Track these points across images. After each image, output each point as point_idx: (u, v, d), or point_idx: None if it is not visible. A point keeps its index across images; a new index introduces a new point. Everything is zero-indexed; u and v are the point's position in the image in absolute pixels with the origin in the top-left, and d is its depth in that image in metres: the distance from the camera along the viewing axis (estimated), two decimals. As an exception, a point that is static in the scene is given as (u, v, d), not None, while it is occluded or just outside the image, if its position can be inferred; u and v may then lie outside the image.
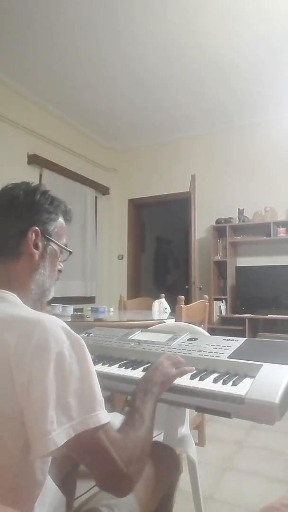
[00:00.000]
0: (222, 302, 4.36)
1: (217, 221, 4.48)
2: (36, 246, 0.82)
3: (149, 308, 3.05)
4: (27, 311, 0.72)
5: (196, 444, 1.66)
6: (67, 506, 0.87)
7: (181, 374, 0.96)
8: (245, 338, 1.17)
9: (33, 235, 0.81)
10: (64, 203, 0.91)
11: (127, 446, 0.68)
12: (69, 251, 0.92)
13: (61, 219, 0.89)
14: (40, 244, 0.82)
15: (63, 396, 0.63)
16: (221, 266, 4.47)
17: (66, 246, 0.90)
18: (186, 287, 4.62)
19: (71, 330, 0.69)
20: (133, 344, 1.27)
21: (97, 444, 0.65)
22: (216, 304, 4.35)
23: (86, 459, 0.67)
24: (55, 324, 0.67)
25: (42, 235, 0.83)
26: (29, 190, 0.84)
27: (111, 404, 2.13)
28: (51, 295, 0.89)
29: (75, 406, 0.63)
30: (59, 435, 0.60)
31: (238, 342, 1.14)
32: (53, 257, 0.87)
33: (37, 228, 0.82)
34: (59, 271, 0.91)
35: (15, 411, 0.63)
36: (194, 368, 1.00)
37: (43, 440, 0.60)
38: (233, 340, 1.16)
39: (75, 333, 0.69)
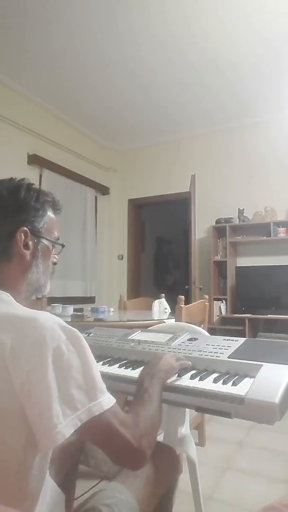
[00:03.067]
0: (222, 302, 4.36)
1: (217, 221, 4.48)
2: (26, 246, 0.81)
3: (149, 308, 3.05)
4: (22, 309, 0.72)
5: (196, 444, 1.65)
6: (67, 505, 0.87)
7: (182, 365, 1.02)
8: (245, 338, 1.17)
9: (22, 236, 0.80)
10: (51, 195, 0.89)
11: (136, 422, 0.73)
12: (62, 245, 0.91)
13: (50, 213, 0.87)
14: (30, 243, 0.81)
15: (66, 389, 0.64)
16: (221, 266, 4.47)
17: (58, 239, 0.90)
18: (186, 287, 4.61)
19: (67, 325, 0.70)
20: (133, 344, 1.27)
21: (107, 426, 0.68)
22: (216, 304, 4.35)
23: (99, 441, 0.71)
24: (50, 321, 0.68)
25: (31, 234, 0.82)
26: (13, 188, 0.81)
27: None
28: (47, 289, 0.89)
29: (79, 397, 0.65)
30: (66, 427, 0.62)
31: (238, 342, 1.14)
32: (45, 253, 0.86)
33: (25, 228, 0.80)
34: (54, 263, 0.91)
35: (15, 409, 0.63)
36: (190, 362, 1.06)
37: (51, 434, 0.62)
38: (233, 340, 1.17)
39: (71, 327, 0.70)
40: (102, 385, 0.70)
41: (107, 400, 0.69)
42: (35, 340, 0.64)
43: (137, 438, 0.70)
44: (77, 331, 0.70)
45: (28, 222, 0.82)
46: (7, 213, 0.80)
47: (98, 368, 0.67)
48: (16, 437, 0.64)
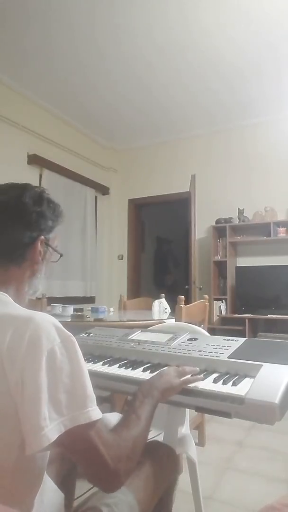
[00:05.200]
0: (222, 302, 4.36)
1: (217, 221, 4.48)
2: (40, 254, 0.85)
3: (149, 308, 3.04)
4: (19, 309, 0.74)
5: (196, 444, 1.66)
6: (67, 505, 0.87)
7: (185, 383, 0.95)
8: (245, 338, 1.17)
9: (40, 245, 0.85)
10: (61, 208, 0.93)
11: (118, 444, 0.70)
12: (60, 254, 0.95)
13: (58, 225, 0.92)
14: (42, 251, 0.86)
15: (55, 392, 0.64)
16: (221, 266, 4.47)
17: (57, 248, 0.93)
18: (186, 287, 4.61)
19: (63, 327, 0.70)
20: (133, 344, 1.27)
21: (87, 440, 0.66)
22: (216, 304, 4.35)
23: (76, 454, 0.69)
24: (47, 321, 0.68)
25: (45, 243, 0.87)
26: (37, 198, 0.85)
27: (111, 404, 2.13)
28: (39, 292, 0.92)
29: (66, 402, 0.64)
30: (51, 430, 0.62)
31: (238, 342, 1.14)
32: (48, 261, 0.90)
33: (43, 237, 0.85)
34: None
35: (11, 408, 0.64)
36: (202, 377, 0.98)
37: (37, 436, 0.61)
38: (233, 340, 1.16)
39: (66, 331, 0.70)
40: (92, 395, 0.68)
41: (95, 412, 0.67)
42: (31, 340, 0.65)
43: (115, 460, 0.67)
44: (72, 335, 0.70)
45: (46, 231, 0.87)
46: (30, 222, 0.83)
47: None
48: (13, 437, 0.65)
